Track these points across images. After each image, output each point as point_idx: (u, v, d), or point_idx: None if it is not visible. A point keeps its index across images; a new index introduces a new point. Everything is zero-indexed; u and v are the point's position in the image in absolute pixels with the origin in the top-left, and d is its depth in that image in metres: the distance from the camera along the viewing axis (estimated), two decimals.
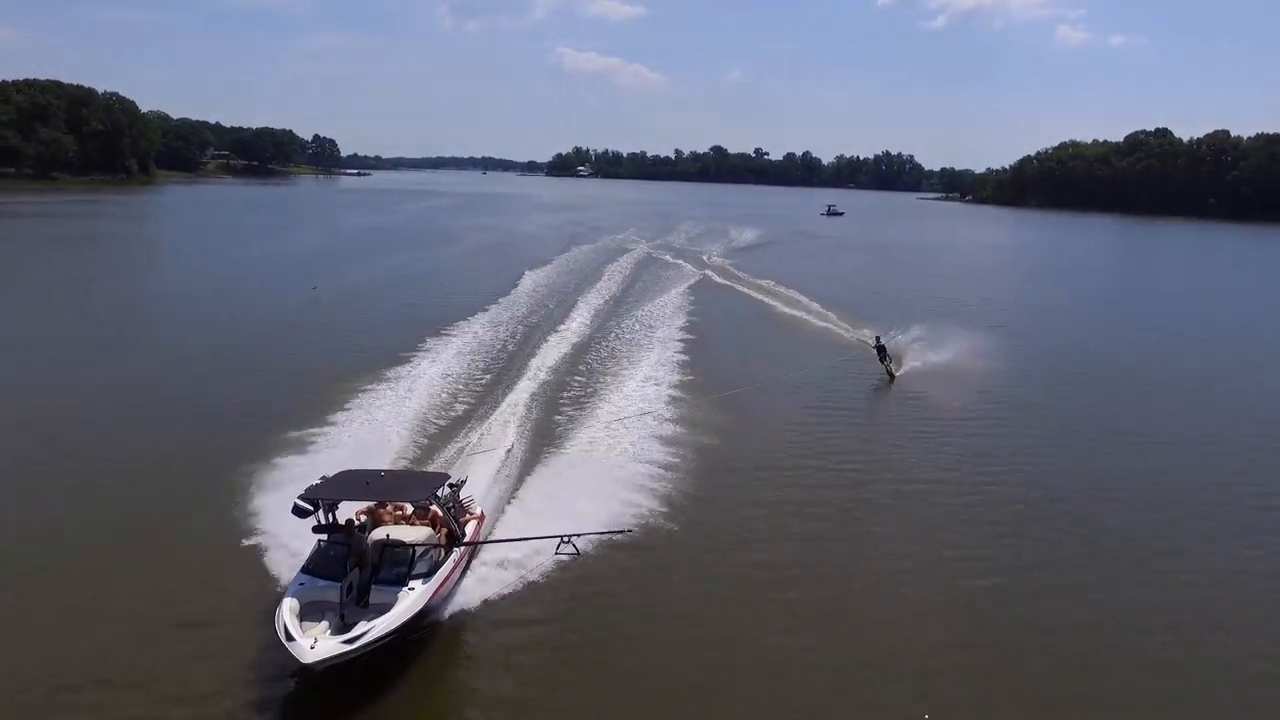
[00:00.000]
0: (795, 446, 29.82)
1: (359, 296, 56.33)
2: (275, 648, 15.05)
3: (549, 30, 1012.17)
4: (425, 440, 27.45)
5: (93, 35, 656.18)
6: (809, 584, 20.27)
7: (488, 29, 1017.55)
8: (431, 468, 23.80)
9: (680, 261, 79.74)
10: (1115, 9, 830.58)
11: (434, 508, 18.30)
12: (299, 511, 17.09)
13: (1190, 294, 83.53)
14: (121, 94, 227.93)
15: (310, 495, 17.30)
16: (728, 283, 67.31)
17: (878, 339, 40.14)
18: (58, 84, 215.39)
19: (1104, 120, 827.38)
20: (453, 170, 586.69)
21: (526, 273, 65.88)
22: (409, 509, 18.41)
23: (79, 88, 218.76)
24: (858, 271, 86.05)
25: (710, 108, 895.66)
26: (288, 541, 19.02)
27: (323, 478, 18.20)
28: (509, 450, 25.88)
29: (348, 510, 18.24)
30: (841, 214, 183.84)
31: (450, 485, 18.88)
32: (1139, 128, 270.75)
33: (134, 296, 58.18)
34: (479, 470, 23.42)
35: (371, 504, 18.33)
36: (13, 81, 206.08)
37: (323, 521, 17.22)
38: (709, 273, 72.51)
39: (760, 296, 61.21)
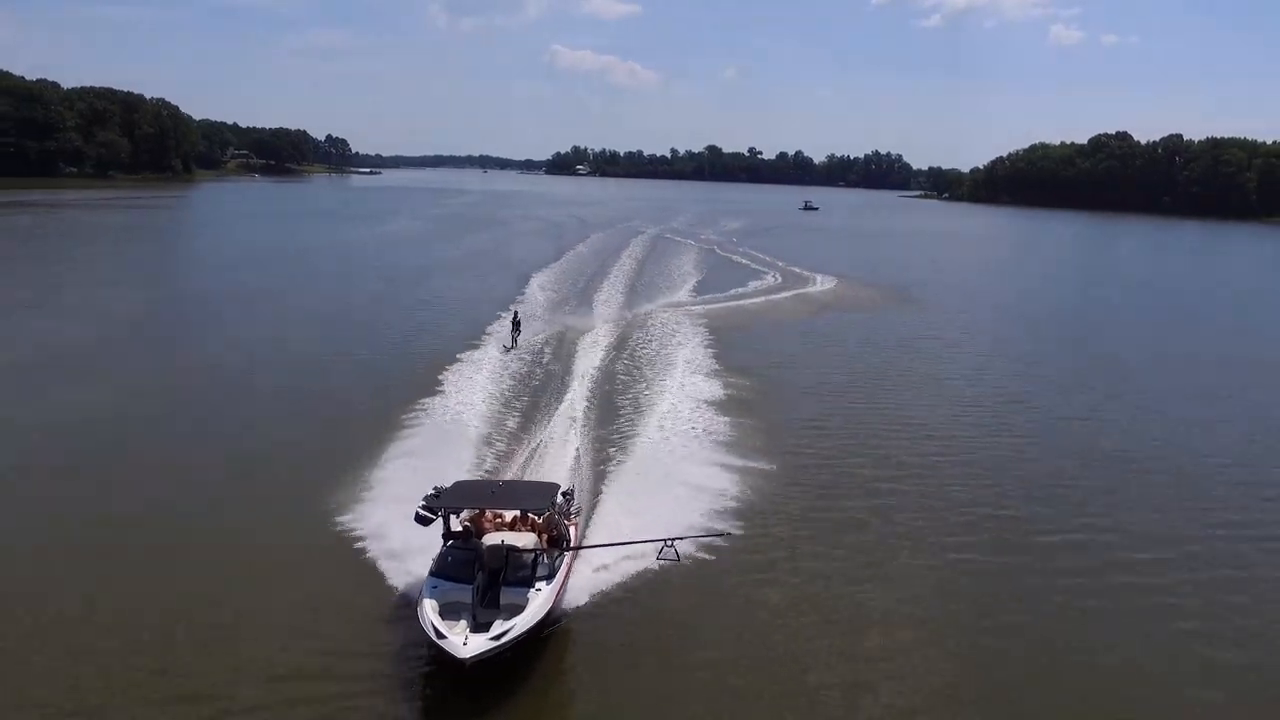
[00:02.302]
0: (874, 428, 33.91)
1: (471, 261, 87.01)
2: (412, 644, 17.00)
3: (543, 28, 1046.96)
4: (499, 445, 29.34)
5: (86, 32, 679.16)
6: (921, 584, 21.20)
7: (482, 27, 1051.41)
8: (509, 475, 25.82)
9: (682, 239, 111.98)
10: (1109, 8, 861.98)
11: (533, 515, 19.60)
12: (421, 520, 18.51)
13: (1088, 268, 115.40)
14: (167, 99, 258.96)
15: (434, 504, 18.80)
16: (726, 255, 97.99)
17: (515, 313, 47.76)
18: (111, 91, 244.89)
19: (1095, 119, 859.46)
20: (452, 169, 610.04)
21: (579, 244, 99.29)
22: (507, 516, 19.74)
23: (130, 94, 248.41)
24: (799, 244, 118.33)
25: (705, 105, 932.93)
26: (379, 541, 21.16)
27: (436, 488, 19.51)
28: (576, 451, 28.30)
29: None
30: (816, 209, 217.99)
31: (562, 494, 20.42)
32: (1134, 126, 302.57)
33: (268, 280, 70.07)
34: (552, 474, 25.41)
35: (474, 512, 19.76)
36: (74, 89, 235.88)
37: (449, 529, 18.85)
38: (707, 246, 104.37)
39: (739, 259, 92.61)
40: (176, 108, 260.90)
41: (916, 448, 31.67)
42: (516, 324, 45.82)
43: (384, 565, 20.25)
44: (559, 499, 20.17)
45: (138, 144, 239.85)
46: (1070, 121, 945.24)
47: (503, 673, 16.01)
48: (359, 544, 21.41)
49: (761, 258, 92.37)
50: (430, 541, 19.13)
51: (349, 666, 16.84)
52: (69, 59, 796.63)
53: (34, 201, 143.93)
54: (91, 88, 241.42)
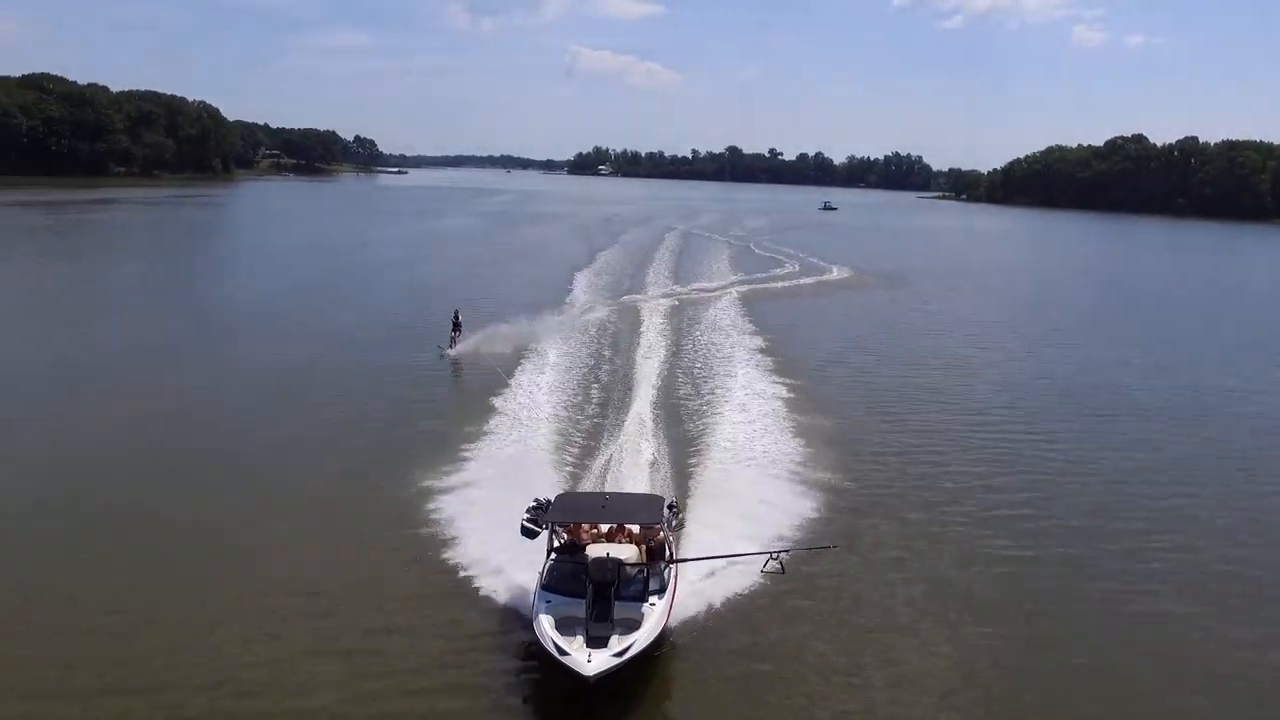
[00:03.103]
0: (958, 431, 34.08)
1: (526, 251, 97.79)
2: (526, 657, 17.13)
3: (563, 28, 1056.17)
4: (574, 452, 29.26)
5: (111, 32, 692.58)
6: (1043, 594, 21.07)
7: (502, 27, 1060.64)
8: (585, 485, 25.93)
9: (711, 235, 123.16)
10: (1133, 9, 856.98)
11: (629, 526, 19.60)
12: (528, 533, 18.96)
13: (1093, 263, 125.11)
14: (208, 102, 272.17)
15: (540, 518, 19.16)
16: (759, 251, 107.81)
17: (456, 312, 45.17)
18: (156, 94, 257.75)
19: (1118, 121, 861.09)
20: (473, 169, 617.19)
21: (622, 235, 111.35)
22: (603, 527, 19.67)
23: (173, 97, 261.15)
24: (818, 239, 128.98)
25: (725, 106, 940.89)
26: (460, 550, 21.51)
27: (536, 500, 19.90)
28: (652, 461, 28.25)
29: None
30: (835, 209, 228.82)
31: (667, 506, 20.50)
32: (1159, 127, 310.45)
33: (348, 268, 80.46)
34: (632, 484, 25.57)
35: (571, 524, 19.66)
36: (121, 92, 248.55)
37: (557, 543, 19.04)
38: (739, 242, 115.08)
39: (766, 253, 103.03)
40: (217, 110, 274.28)
41: (1007, 442, 32.95)
42: (457, 324, 44.16)
43: (481, 578, 20.20)
44: (665, 511, 20.09)
45: (181, 144, 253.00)
46: (1093, 123, 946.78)
47: (619, 687, 16.01)
48: (449, 557, 21.38)
49: (788, 251, 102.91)
50: (518, 552, 19.61)
51: (462, 682, 16.92)
52: (94, 59, 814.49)
53: (113, 199, 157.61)
54: (137, 91, 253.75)
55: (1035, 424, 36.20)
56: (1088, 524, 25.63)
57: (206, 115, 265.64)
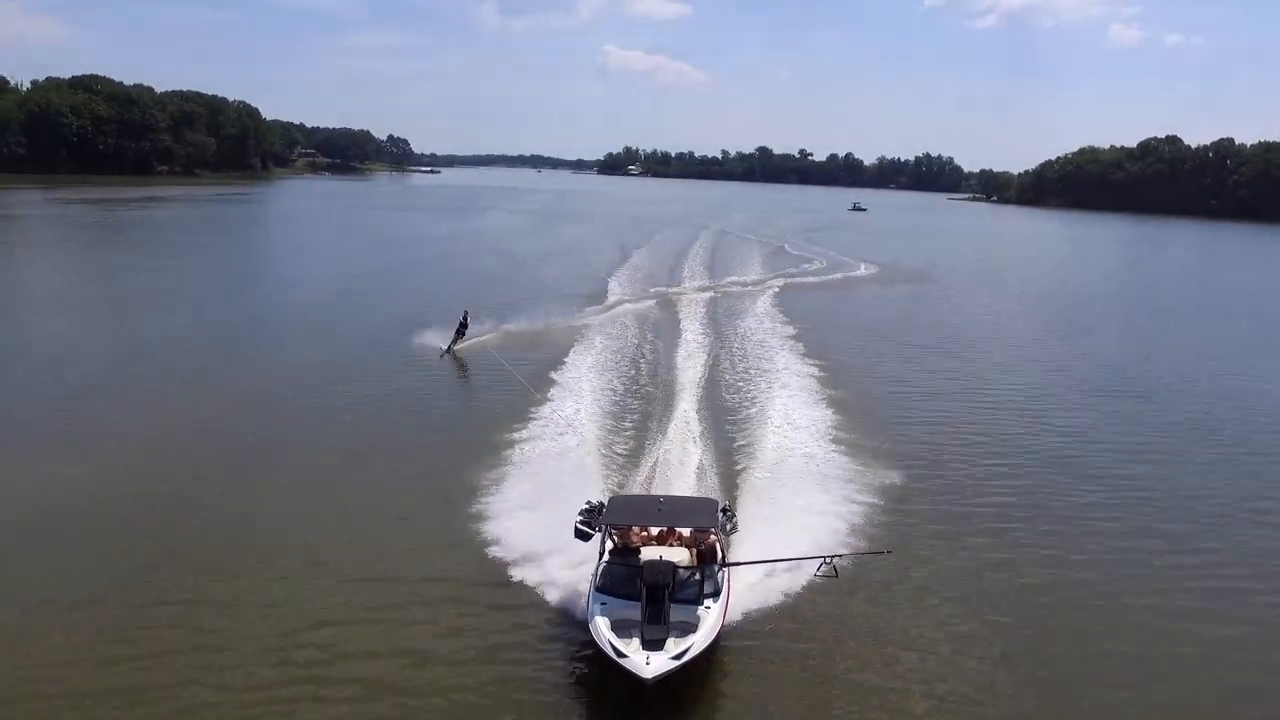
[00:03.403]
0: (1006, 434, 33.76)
1: (575, 247, 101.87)
2: (582, 659, 17.47)
3: (594, 28, 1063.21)
4: (620, 456, 29.08)
5: (148, 32, 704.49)
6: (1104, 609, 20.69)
7: (534, 28, 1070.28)
8: (632, 486, 26.21)
9: (745, 234, 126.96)
10: (1171, 7, 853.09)
11: (680, 529, 19.82)
12: (581, 535, 19.25)
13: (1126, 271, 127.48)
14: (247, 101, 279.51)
15: (595, 520, 19.48)
16: (793, 249, 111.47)
17: (464, 314, 45.39)
18: (198, 94, 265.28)
19: (1156, 120, 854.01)
20: (504, 168, 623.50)
21: (656, 234, 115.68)
22: (654, 530, 19.86)
23: (214, 97, 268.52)
24: (844, 238, 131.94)
25: (755, 106, 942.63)
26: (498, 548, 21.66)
27: (589, 502, 20.29)
28: (698, 464, 28.18)
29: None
30: (864, 210, 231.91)
31: (721, 510, 20.69)
32: (1195, 127, 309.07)
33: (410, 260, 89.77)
34: (679, 485, 25.86)
35: (622, 527, 19.72)
36: (165, 92, 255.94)
37: (609, 546, 19.29)
38: (775, 240, 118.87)
39: (798, 251, 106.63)
40: (256, 109, 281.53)
41: (1075, 447, 32.58)
42: (463, 327, 44.33)
43: (530, 577, 20.48)
44: (719, 515, 20.24)
45: (221, 144, 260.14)
46: (1129, 123, 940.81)
47: (674, 689, 16.25)
48: (497, 554, 21.59)
49: (818, 249, 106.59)
50: (567, 552, 20.04)
51: (517, 680, 17.15)
52: (129, 60, 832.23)
53: (170, 196, 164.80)
54: (180, 91, 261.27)
55: (1108, 430, 35.36)
56: (1165, 543, 24.49)
57: (246, 115, 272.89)
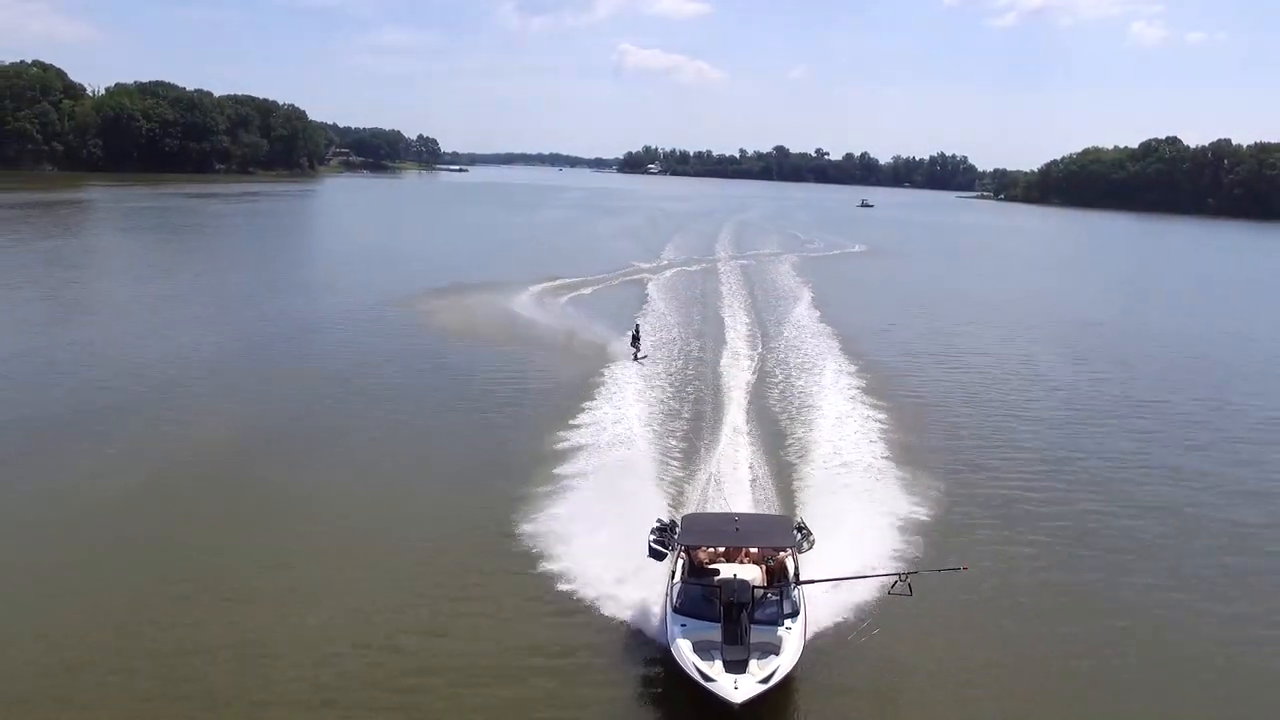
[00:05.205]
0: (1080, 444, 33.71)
1: (630, 232, 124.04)
2: (664, 682, 17.56)
3: (612, 27, 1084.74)
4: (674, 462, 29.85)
5: (174, 33, 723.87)
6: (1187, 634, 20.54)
7: (552, 26, 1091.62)
8: (690, 500, 26.51)
9: (766, 229, 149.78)
10: (1194, 4, 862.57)
11: (777, 552, 19.67)
12: (655, 555, 19.37)
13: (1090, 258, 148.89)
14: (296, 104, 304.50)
15: (669, 539, 19.60)
16: (805, 236, 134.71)
17: (636, 326, 47.61)
18: (251, 97, 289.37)
19: (1176, 118, 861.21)
20: (523, 166, 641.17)
21: (687, 225, 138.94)
22: (722, 547, 19.80)
23: (266, 100, 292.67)
24: (847, 229, 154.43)
25: (772, 105, 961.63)
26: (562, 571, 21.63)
27: (660, 520, 20.49)
28: (751, 471, 28.77)
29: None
30: (871, 206, 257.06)
31: (796, 528, 20.56)
32: (1209, 125, 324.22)
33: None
34: (737, 499, 25.92)
35: (692, 546, 19.67)
36: (222, 96, 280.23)
37: (683, 564, 19.24)
38: (791, 233, 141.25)
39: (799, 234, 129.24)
40: (304, 112, 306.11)
41: (1159, 461, 32.36)
42: (636, 338, 45.99)
43: (596, 596, 20.54)
44: (795, 534, 20.08)
45: (272, 144, 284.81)
46: (1147, 121, 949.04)
47: (758, 713, 16.12)
48: (561, 571, 21.67)
49: (819, 234, 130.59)
50: (631, 568, 20.38)
51: (597, 706, 17.31)
52: (154, 60, 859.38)
53: (252, 192, 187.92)
54: (235, 95, 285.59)
55: (1196, 438, 35.24)
56: (1245, 562, 24.29)
57: (295, 117, 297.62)
